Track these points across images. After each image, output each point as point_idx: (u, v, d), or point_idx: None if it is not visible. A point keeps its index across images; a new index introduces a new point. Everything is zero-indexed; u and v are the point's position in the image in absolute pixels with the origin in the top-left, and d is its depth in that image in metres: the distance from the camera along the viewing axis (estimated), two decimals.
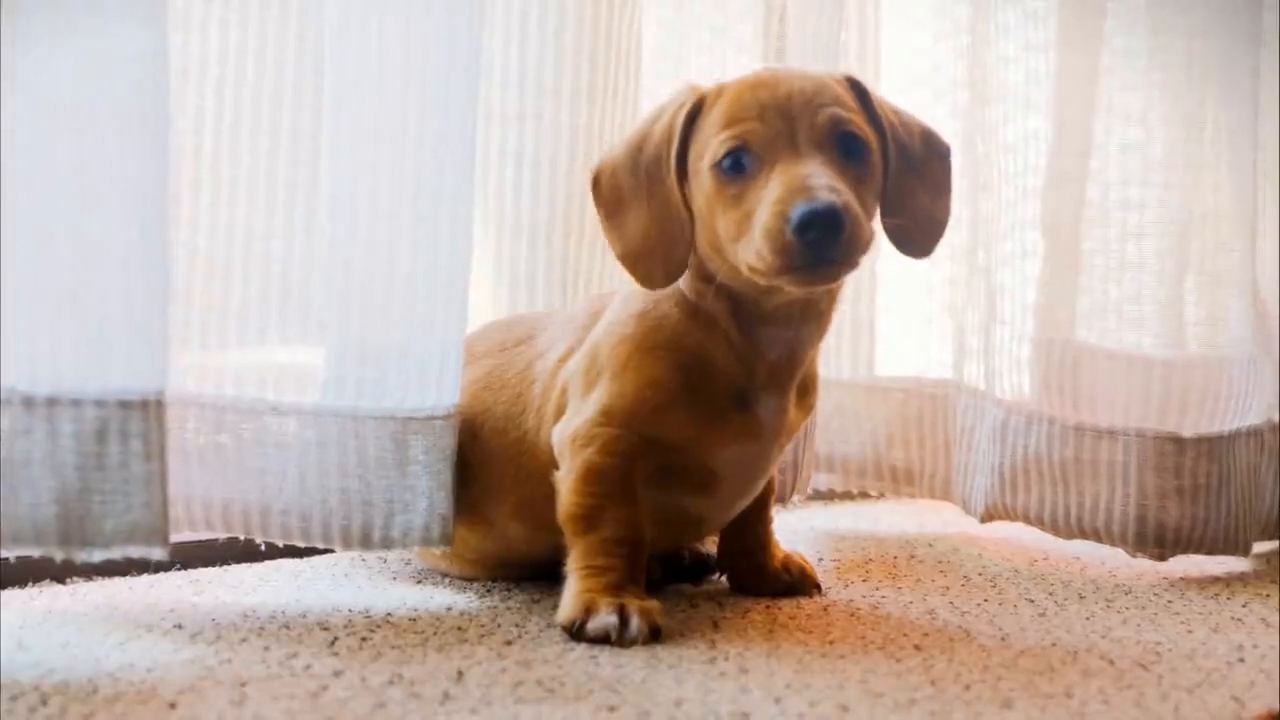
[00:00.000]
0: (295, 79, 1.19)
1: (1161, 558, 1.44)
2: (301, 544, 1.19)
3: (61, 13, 0.99)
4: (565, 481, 1.14)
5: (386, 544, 1.19)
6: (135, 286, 1.02)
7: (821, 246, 1.01)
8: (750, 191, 1.06)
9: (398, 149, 1.17)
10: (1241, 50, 1.48)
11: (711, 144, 1.08)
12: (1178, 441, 1.42)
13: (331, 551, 1.32)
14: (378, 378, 1.18)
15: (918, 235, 1.16)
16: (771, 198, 1.03)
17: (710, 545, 1.33)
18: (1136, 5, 1.48)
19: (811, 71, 1.12)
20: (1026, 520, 1.48)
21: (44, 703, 0.89)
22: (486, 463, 1.21)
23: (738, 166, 1.07)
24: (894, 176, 1.13)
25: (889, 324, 1.68)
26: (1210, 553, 1.44)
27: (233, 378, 1.18)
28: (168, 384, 1.05)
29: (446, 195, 1.18)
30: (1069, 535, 1.46)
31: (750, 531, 1.27)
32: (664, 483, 1.15)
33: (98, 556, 1.01)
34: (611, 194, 1.14)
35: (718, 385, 1.14)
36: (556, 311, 1.32)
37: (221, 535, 1.20)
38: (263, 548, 1.25)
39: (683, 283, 1.15)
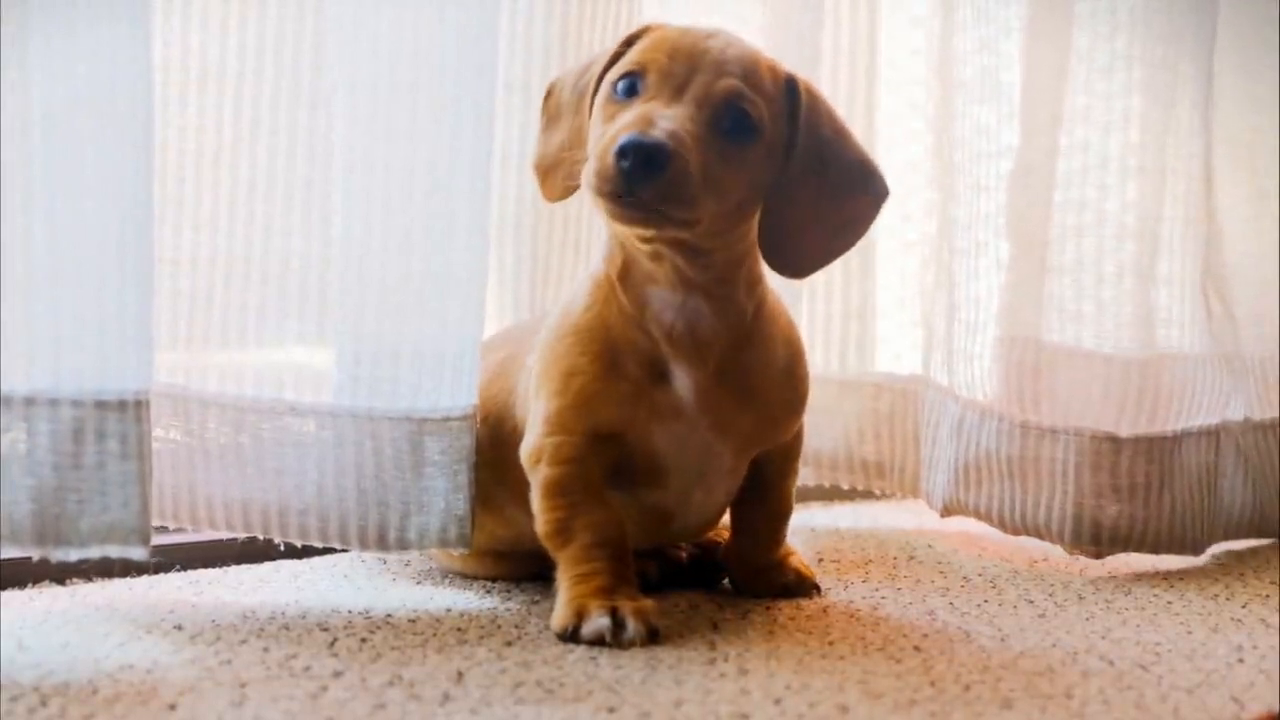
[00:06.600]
0: (311, 77, 1.20)
1: (1098, 555, 1.45)
2: (320, 544, 1.20)
3: (40, 9, 0.99)
4: (534, 500, 1.14)
5: (403, 545, 1.19)
6: (114, 288, 1.02)
7: (633, 179, 1.02)
8: (622, 115, 1.07)
9: (410, 146, 1.17)
10: (1201, 53, 1.49)
11: (619, 65, 1.11)
12: (1114, 441, 1.43)
13: (333, 552, 1.32)
14: (392, 377, 1.18)
15: (788, 250, 1.13)
16: (618, 123, 1.05)
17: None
18: (1101, 11, 1.48)
19: (749, 48, 1.12)
20: (978, 516, 1.49)
21: (44, 704, 0.89)
22: (492, 448, 1.21)
23: (630, 90, 1.09)
24: (790, 183, 1.12)
25: (865, 322, 1.68)
26: (1153, 551, 1.45)
27: (253, 377, 1.19)
28: (152, 384, 1.05)
29: (462, 192, 1.18)
30: (1015, 532, 1.47)
31: (756, 536, 1.26)
32: (618, 478, 1.15)
33: (74, 556, 1.01)
34: (554, 106, 1.18)
35: (627, 358, 1.13)
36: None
37: (241, 535, 1.21)
38: (272, 545, 1.26)
39: (602, 257, 1.15)
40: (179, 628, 1.09)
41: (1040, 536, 1.46)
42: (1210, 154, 1.53)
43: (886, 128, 1.63)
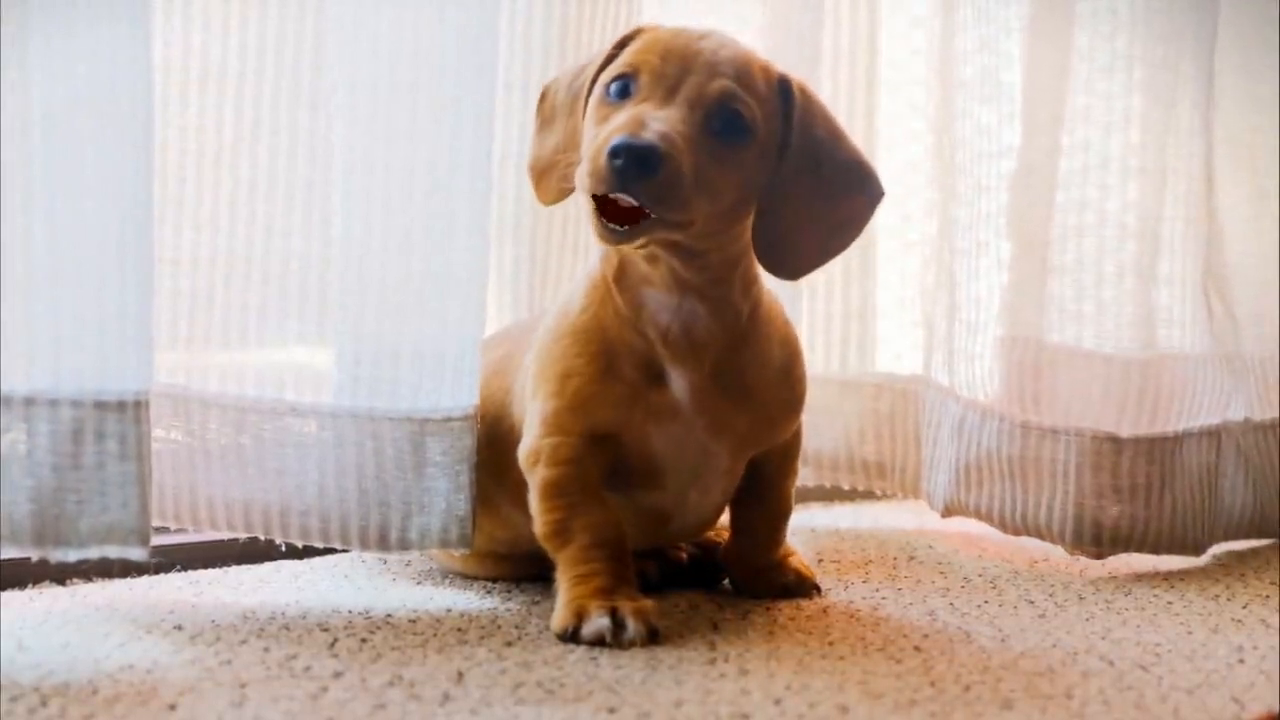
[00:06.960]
0: (311, 77, 1.20)
1: (1099, 556, 1.45)
2: (321, 544, 1.20)
3: (40, 9, 0.99)
4: (532, 501, 1.14)
5: (404, 545, 1.20)
6: (114, 288, 1.02)
7: (626, 179, 1.01)
8: (615, 117, 1.07)
9: (410, 146, 1.17)
10: (1202, 53, 1.49)
11: (612, 67, 1.11)
12: (1115, 441, 1.43)
13: (334, 552, 1.33)
14: (393, 377, 1.18)
15: (783, 251, 1.13)
16: (611, 125, 1.05)
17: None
18: (1102, 11, 1.48)
19: (742, 49, 1.12)
20: (979, 516, 1.49)
21: (44, 704, 0.89)
22: (489, 446, 1.21)
23: (623, 92, 1.09)
24: (785, 183, 1.11)
25: (866, 322, 1.68)
26: (1154, 552, 1.45)
27: (253, 378, 1.19)
28: (152, 384, 1.05)
29: (462, 192, 1.18)
30: (1016, 532, 1.47)
31: (755, 537, 1.26)
32: (615, 479, 1.15)
33: (74, 556, 1.02)
34: (549, 109, 1.18)
35: (624, 359, 1.13)
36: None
37: (242, 535, 1.21)
38: (275, 546, 1.26)
39: (599, 257, 1.15)
40: (179, 628, 1.09)
41: (1041, 537, 1.46)
42: (1211, 154, 1.53)
43: (887, 128, 1.63)
